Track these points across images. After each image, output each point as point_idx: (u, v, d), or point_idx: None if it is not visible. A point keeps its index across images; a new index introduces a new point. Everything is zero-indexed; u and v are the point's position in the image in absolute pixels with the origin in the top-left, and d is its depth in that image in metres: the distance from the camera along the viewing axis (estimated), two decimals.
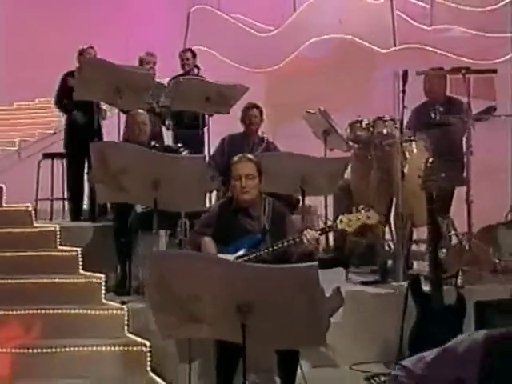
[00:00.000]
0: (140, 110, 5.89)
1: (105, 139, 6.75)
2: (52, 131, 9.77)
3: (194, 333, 3.08)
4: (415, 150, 5.71)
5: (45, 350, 4.10)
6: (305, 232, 3.90)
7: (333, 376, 4.61)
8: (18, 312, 4.43)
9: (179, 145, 6.36)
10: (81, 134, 6.48)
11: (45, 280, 4.72)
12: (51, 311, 4.42)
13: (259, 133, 6.23)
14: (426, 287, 4.26)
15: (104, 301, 4.59)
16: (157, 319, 2.98)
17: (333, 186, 5.45)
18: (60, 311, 4.40)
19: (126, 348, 4.03)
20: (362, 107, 6.70)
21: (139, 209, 5.15)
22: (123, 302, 4.48)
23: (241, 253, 3.94)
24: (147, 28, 9.36)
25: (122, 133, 6.26)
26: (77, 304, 4.50)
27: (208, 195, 5.47)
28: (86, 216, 6.70)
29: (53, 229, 5.36)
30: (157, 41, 8.55)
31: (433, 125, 5.99)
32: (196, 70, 7.63)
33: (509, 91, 6.51)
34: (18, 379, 4.01)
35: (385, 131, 5.92)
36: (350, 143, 6.31)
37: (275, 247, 3.88)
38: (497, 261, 5.37)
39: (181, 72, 7.54)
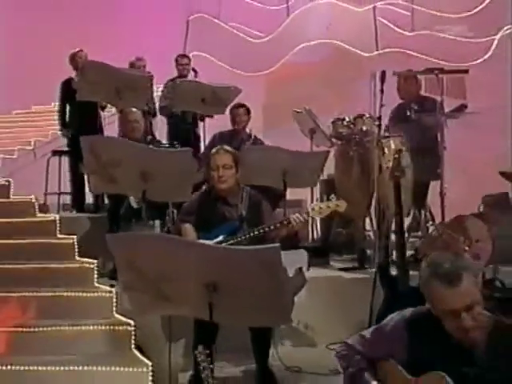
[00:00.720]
0: (133, 109, 5.83)
1: None
2: None
3: (164, 310, 3.05)
4: (393, 146, 5.66)
5: (38, 329, 4.08)
6: (293, 216, 3.86)
7: (311, 355, 4.57)
8: (17, 294, 4.40)
9: (175, 142, 6.33)
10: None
11: (42, 265, 4.69)
12: (47, 293, 4.40)
13: (247, 130, 6.21)
14: (394, 272, 4.21)
15: (96, 284, 4.56)
16: (129, 298, 2.94)
17: (314, 178, 5.40)
18: (54, 293, 4.38)
19: (112, 327, 4.01)
20: (349, 107, 6.66)
21: (134, 204, 5.11)
22: (112, 286, 4.44)
23: (219, 239, 3.91)
24: (148, 35, 9.33)
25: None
26: (71, 287, 4.47)
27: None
28: (91, 209, 6.71)
29: (53, 219, 5.33)
30: (157, 47, 8.53)
31: (409, 122, 5.98)
32: (193, 73, 7.60)
33: (482, 91, 6.47)
34: (13, 356, 3.97)
35: (364, 128, 5.89)
36: (334, 140, 6.28)
37: (258, 231, 3.84)
38: (466, 248, 5.31)
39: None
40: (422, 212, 6.44)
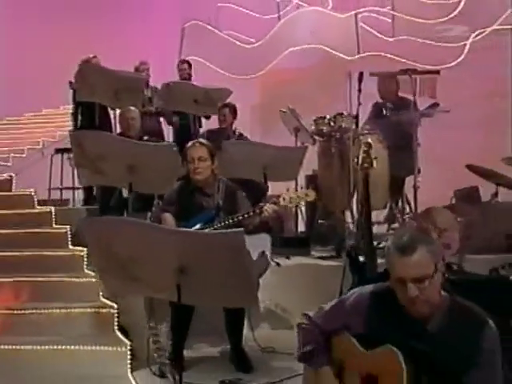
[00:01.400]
0: (131, 108, 5.83)
1: None
2: None
3: (136, 292, 3.02)
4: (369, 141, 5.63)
5: (30, 312, 4.08)
6: (266, 206, 3.83)
7: (286, 337, 4.52)
8: (13, 279, 4.41)
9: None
10: None
11: (37, 252, 4.68)
12: (39, 278, 4.40)
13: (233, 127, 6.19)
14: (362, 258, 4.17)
15: (86, 271, 4.53)
16: (102, 279, 2.91)
17: (293, 172, 5.35)
18: (45, 279, 4.38)
19: (96, 310, 4.00)
20: (333, 106, 6.61)
21: (126, 194, 5.09)
22: None
23: (197, 227, 3.88)
24: (146, 41, 9.32)
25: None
26: (62, 273, 4.46)
27: None
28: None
29: (49, 210, 5.32)
30: (154, 52, 8.52)
31: (386, 120, 5.94)
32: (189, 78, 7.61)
33: (455, 91, 6.44)
34: (5, 336, 3.96)
35: (343, 125, 5.86)
36: (316, 137, 6.24)
37: (232, 219, 3.81)
38: (437, 237, 5.25)
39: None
40: (400, 204, 6.43)
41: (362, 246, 4.54)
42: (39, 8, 10.60)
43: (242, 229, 2.81)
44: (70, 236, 4.94)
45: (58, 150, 7.38)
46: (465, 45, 7.23)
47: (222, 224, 3.81)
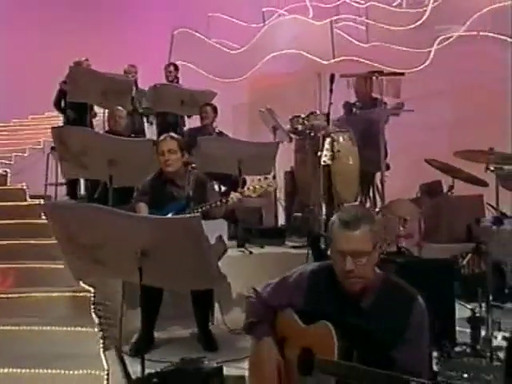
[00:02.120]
0: (119, 107, 5.83)
1: None
2: None
3: (100, 274, 2.98)
4: (341, 140, 5.61)
5: (11, 296, 4.05)
6: (231, 195, 3.82)
7: None
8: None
9: None
10: None
11: (23, 241, 4.66)
12: (24, 265, 4.39)
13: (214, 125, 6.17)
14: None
15: None
16: (67, 262, 2.87)
17: (267, 166, 5.30)
18: (29, 265, 4.35)
19: (74, 294, 3.96)
20: (310, 106, 6.59)
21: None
22: None
23: (169, 216, 3.84)
24: (138, 47, 9.31)
25: None
26: (47, 260, 4.42)
27: None
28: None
29: (38, 202, 5.29)
30: (146, 57, 8.50)
31: (356, 118, 5.92)
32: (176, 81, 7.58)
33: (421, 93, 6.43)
34: None
35: (316, 123, 5.84)
36: (292, 135, 6.22)
37: (201, 208, 3.78)
38: (401, 228, 5.24)
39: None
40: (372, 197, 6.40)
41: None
42: (39, 14, 10.57)
43: (198, 214, 2.78)
44: None
45: (53, 148, 7.34)
46: (430, 51, 7.24)
47: (192, 213, 3.77)
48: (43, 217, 5.03)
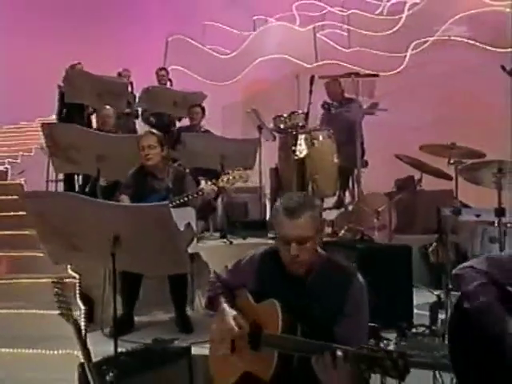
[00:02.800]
0: (107, 107, 5.79)
1: None
2: None
3: (76, 260, 2.97)
4: (321, 137, 5.59)
5: (3, 281, 4.04)
6: (205, 186, 3.81)
7: None
8: None
9: None
10: None
11: (17, 232, 4.65)
12: (16, 253, 4.38)
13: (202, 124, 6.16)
14: None
15: None
16: (45, 248, 2.87)
17: (248, 162, 5.28)
18: (21, 254, 4.34)
19: (60, 280, 3.93)
20: (295, 107, 6.57)
21: (103, 183, 5.04)
22: None
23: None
24: (133, 51, 9.31)
25: None
26: (38, 249, 4.41)
27: None
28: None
29: None
30: (140, 62, 8.50)
31: (333, 117, 5.92)
32: (169, 83, 7.58)
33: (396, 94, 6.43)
34: None
35: (296, 122, 5.82)
36: (275, 133, 6.21)
37: (178, 200, 3.77)
38: (375, 220, 5.24)
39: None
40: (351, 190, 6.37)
41: None
42: (36, 22, 10.57)
43: (167, 202, 2.77)
44: None
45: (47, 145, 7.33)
46: (405, 55, 7.23)
47: (171, 205, 3.76)
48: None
